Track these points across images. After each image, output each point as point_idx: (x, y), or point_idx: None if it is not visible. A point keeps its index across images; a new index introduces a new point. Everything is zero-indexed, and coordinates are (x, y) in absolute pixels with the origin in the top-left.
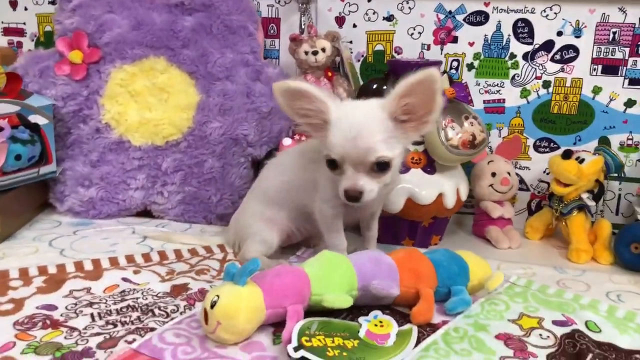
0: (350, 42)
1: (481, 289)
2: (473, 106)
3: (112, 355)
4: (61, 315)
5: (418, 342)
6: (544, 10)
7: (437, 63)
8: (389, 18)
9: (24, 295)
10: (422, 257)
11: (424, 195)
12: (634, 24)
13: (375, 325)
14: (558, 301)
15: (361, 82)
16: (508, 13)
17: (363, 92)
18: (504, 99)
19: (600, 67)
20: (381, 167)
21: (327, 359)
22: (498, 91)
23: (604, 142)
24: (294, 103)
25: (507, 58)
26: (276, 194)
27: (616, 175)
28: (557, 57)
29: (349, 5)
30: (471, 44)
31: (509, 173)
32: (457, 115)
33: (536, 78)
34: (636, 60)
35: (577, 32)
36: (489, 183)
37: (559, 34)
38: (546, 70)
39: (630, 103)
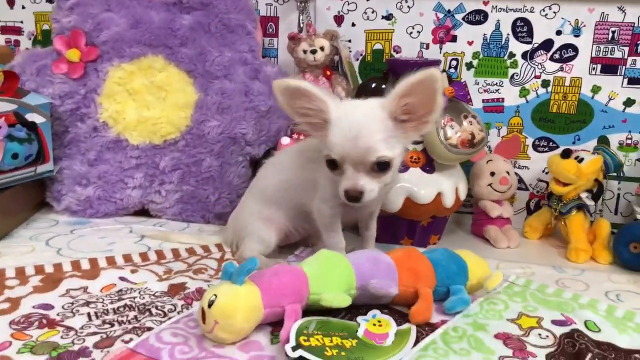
0: (349, 41)
1: (480, 288)
2: (472, 105)
3: (108, 354)
4: (57, 314)
5: (417, 341)
6: (543, 10)
7: (436, 62)
8: (388, 17)
9: (20, 295)
10: (421, 256)
11: (422, 195)
12: (633, 23)
13: (374, 324)
14: (557, 301)
15: (360, 81)
16: (507, 12)
17: (362, 91)
18: (503, 98)
19: (599, 66)
20: (381, 167)
21: (325, 358)
22: (497, 90)
23: (603, 141)
24: (294, 102)
25: (506, 57)
26: (274, 193)
27: (615, 174)
28: (556, 56)
29: (348, 4)
30: (470, 43)
31: (508, 172)
32: (456, 114)
33: (535, 77)
34: (635, 60)
35: (576, 31)
36: (487, 182)
37: (558, 33)
38: (545, 70)
39: (629, 102)
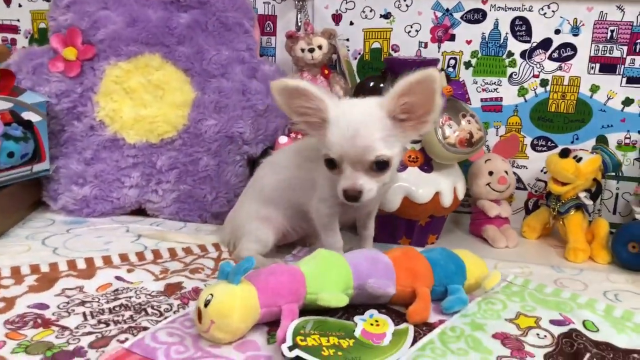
0: (347, 39)
1: (478, 288)
2: (470, 104)
3: (103, 354)
4: (53, 314)
5: (414, 341)
6: (542, 9)
7: (434, 61)
8: (386, 16)
9: (16, 294)
10: (419, 255)
11: (420, 194)
12: (632, 22)
13: (371, 324)
14: (555, 300)
15: (358, 80)
16: (506, 11)
17: (360, 90)
18: (501, 98)
19: (598, 65)
20: (380, 166)
21: (322, 358)
22: (495, 89)
23: (602, 140)
24: (292, 101)
25: (504, 56)
26: (272, 193)
27: (614, 174)
28: (555, 55)
29: (346, 3)
30: (468, 42)
31: (506, 172)
32: (455, 114)
33: (534, 76)
34: (634, 59)
35: (575, 30)
36: (486, 182)
37: (557, 32)
38: (544, 69)
39: (628, 102)
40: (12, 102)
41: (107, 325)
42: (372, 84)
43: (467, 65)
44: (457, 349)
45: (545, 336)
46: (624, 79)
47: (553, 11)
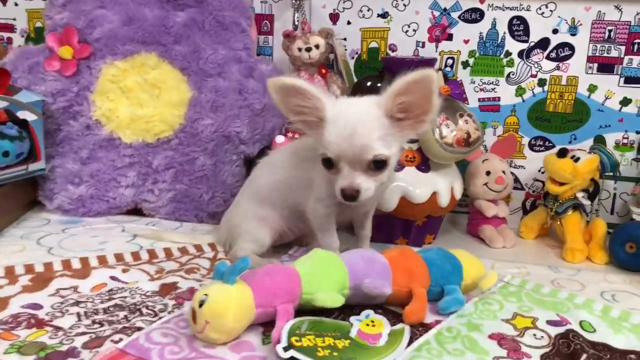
0: (345, 39)
1: (475, 288)
2: (468, 104)
3: (97, 355)
4: (46, 314)
5: (410, 342)
6: (540, 8)
7: (431, 61)
8: (384, 15)
9: (9, 294)
10: (415, 255)
11: (418, 194)
12: (630, 21)
13: (367, 324)
14: (552, 301)
15: (355, 80)
16: (503, 10)
17: (357, 90)
18: (499, 97)
19: (595, 65)
20: (378, 165)
21: (317, 359)
22: (493, 89)
23: (600, 140)
24: (289, 100)
25: (502, 56)
26: (269, 193)
27: (611, 174)
28: (553, 55)
29: (343, 2)
30: (466, 42)
31: (503, 172)
32: (452, 113)
33: (531, 76)
34: (632, 59)
35: (573, 30)
36: (483, 182)
37: (555, 31)
38: (542, 69)
39: (625, 102)
40: (7, 101)
41: (101, 325)
42: (369, 83)
43: (465, 64)
44: (453, 350)
45: (542, 337)
46: (622, 79)
47: (551, 11)
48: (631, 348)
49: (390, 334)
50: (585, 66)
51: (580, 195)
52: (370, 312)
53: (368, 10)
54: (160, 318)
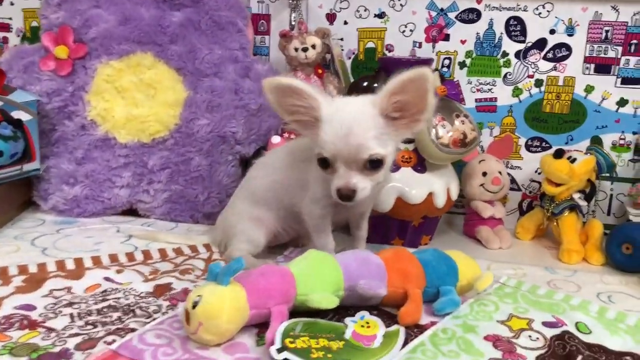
0: (341, 39)
1: (470, 289)
2: (465, 104)
3: (90, 356)
4: (40, 315)
5: (405, 343)
6: (537, 8)
7: (428, 61)
8: (381, 15)
9: (2, 295)
10: (411, 256)
11: (414, 195)
12: (627, 22)
13: (362, 326)
14: (548, 302)
15: (352, 80)
16: (500, 11)
17: (353, 90)
18: (495, 98)
19: (592, 65)
20: (374, 164)
21: None
22: (490, 90)
23: (596, 141)
24: (284, 100)
25: (499, 56)
26: (264, 194)
27: (608, 175)
28: (550, 55)
29: (340, 2)
30: (463, 42)
31: (500, 172)
32: (448, 114)
33: (528, 77)
34: (629, 59)
35: (570, 31)
36: (480, 182)
37: (552, 32)
38: (538, 69)
39: (622, 102)
40: (2, 101)
41: (95, 326)
42: (365, 83)
43: (462, 65)
44: (449, 351)
45: (537, 338)
46: (619, 80)
47: (548, 11)
48: (627, 350)
49: (385, 335)
50: (582, 67)
51: (576, 196)
52: (365, 313)
53: (365, 11)
54: (154, 319)
